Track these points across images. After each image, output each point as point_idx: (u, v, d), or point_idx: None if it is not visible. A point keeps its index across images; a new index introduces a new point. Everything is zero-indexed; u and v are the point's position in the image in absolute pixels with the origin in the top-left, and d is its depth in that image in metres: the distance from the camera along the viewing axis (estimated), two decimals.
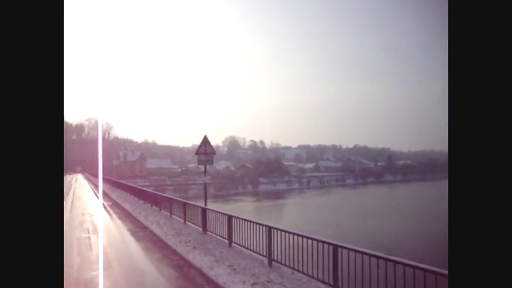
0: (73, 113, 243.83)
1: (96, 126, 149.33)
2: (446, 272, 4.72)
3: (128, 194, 33.37)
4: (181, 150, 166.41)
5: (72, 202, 27.41)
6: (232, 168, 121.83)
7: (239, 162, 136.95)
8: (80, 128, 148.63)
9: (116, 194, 34.55)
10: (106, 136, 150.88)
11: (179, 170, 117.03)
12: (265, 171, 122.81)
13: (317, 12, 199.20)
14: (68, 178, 71.20)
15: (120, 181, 50.32)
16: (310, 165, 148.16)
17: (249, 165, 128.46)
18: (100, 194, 38.76)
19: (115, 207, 26.04)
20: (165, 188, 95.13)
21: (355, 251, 6.72)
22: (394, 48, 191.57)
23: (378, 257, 6.26)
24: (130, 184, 41.89)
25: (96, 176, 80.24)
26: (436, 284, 5.25)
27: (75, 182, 57.71)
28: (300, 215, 64.45)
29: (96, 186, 40.62)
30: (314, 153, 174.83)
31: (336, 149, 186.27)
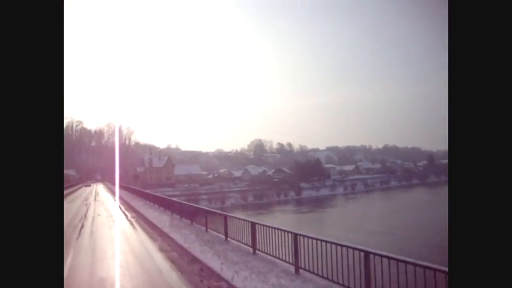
0: (92, 118, 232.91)
1: (116, 133, 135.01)
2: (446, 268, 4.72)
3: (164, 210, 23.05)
4: (206, 155, 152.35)
5: None
6: (269, 172, 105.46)
7: (272, 166, 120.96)
8: (99, 134, 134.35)
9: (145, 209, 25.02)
10: (127, 142, 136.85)
11: (210, 176, 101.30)
12: (304, 175, 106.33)
13: (337, 14, 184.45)
14: (85, 192, 54.36)
15: (146, 191, 40.40)
16: (350, 168, 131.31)
17: (285, 169, 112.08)
18: (116, 198, 34.47)
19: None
20: (198, 198, 79.49)
21: None
22: (416, 46, 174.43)
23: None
24: (163, 196, 29.22)
25: (121, 187, 65.25)
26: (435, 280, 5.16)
27: (95, 199, 38.16)
28: (387, 231, 47.55)
29: (150, 224, 18.61)
30: (344, 155, 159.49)
31: (365, 150, 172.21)
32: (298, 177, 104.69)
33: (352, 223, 57.78)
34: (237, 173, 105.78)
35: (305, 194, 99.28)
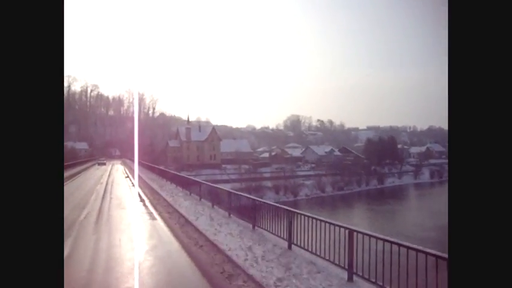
0: (110, 83, 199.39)
1: (138, 100, 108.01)
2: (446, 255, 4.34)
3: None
4: (239, 131, 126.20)
5: None
6: (337, 152, 77.94)
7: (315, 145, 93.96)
8: (118, 101, 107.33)
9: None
10: (150, 112, 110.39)
11: (265, 154, 74.16)
12: (377, 157, 78.87)
13: None
14: (90, 179, 26.90)
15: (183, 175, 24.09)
16: (421, 149, 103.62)
17: (352, 150, 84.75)
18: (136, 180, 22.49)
19: None
20: (262, 186, 52.75)
21: None
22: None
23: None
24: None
25: (146, 167, 38.14)
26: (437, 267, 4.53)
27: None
28: None
29: None
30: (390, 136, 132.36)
31: (408, 131, 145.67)
32: (370, 160, 77.64)
33: None
34: (294, 152, 78.44)
35: (388, 182, 72.11)
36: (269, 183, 53.95)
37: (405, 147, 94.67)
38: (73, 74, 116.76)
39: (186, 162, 58.83)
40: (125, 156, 70.95)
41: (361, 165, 73.79)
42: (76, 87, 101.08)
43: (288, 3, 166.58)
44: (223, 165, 61.37)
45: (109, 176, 29.61)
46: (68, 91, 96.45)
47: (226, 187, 16.28)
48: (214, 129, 65.46)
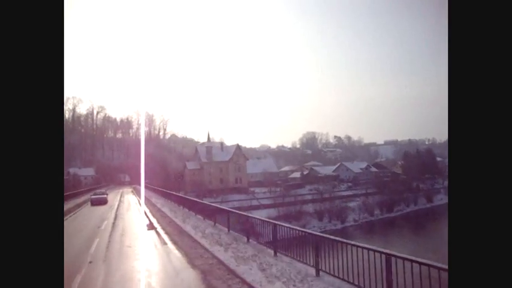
0: (117, 105, 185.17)
1: (147, 122, 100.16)
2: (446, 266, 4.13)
3: None
4: (253, 151, 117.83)
5: None
6: (373, 168, 68.60)
7: (332, 162, 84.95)
8: (126, 123, 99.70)
9: None
10: (161, 133, 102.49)
11: (296, 174, 65.04)
12: (416, 172, 69.57)
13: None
14: (74, 241, 12.53)
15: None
16: None
17: (386, 164, 75.52)
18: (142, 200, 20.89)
19: None
20: (302, 212, 43.65)
21: None
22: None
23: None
24: None
25: (173, 199, 24.80)
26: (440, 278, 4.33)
27: None
28: None
29: None
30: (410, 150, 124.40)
31: (427, 144, 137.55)
32: (410, 175, 68.45)
33: None
34: (323, 171, 69.29)
35: (436, 199, 62.50)
36: (309, 208, 44.77)
37: (444, 159, 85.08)
38: (78, 96, 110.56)
39: (208, 187, 50.01)
40: (136, 182, 62.41)
41: (401, 181, 64.53)
42: (81, 110, 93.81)
43: (298, 20, 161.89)
44: (251, 189, 52.40)
45: (114, 223, 16.17)
46: (73, 113, 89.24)
47: (261, 214, 13.69)
48: (239, 147, 56.65)
